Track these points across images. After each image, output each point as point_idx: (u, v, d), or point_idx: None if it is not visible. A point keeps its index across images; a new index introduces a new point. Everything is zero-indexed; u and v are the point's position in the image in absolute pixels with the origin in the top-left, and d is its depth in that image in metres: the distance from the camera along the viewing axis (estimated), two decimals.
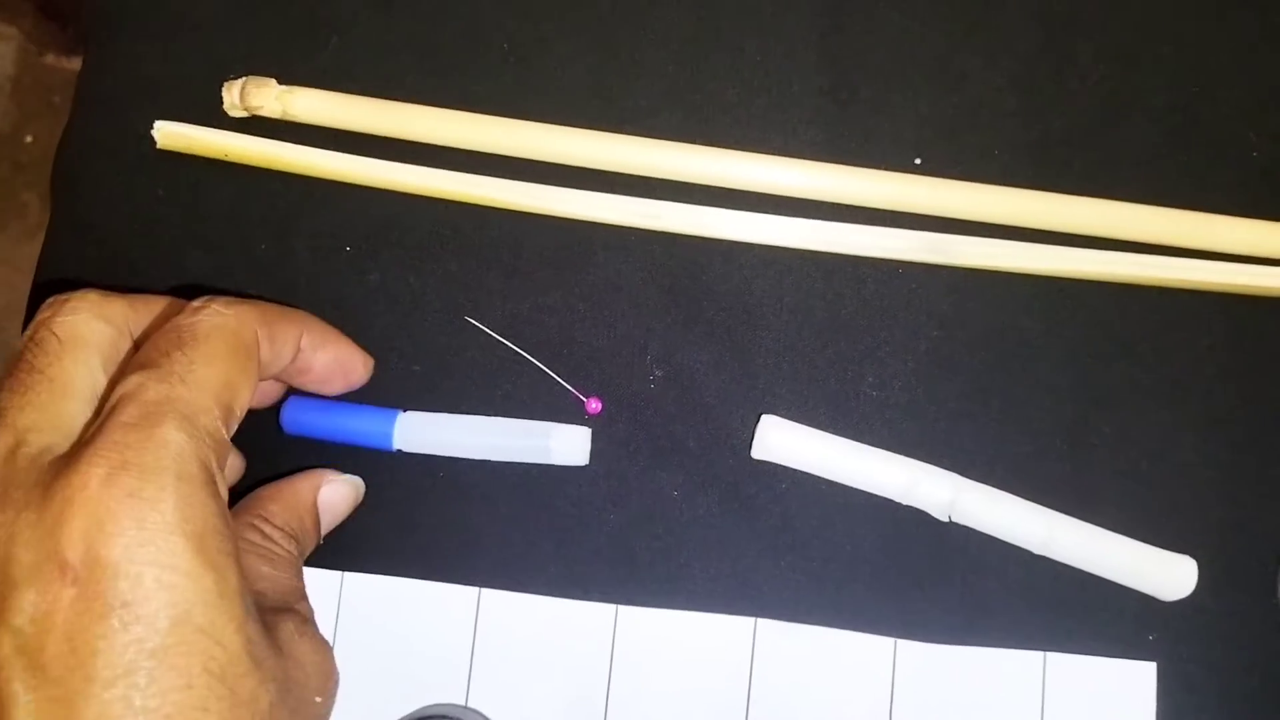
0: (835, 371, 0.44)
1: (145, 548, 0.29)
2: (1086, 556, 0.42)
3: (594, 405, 0.44)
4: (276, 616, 0.34)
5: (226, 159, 0.45)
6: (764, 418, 0.43)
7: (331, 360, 0.40)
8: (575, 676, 0.42)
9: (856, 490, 0.43)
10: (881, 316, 0.45)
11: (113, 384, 0.32)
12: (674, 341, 0.44)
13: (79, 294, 0.34)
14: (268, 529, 0.37)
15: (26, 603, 0.28)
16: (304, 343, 0.38)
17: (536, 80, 0.46)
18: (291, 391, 0.43)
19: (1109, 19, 0.46)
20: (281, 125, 0.45)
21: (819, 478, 0.43)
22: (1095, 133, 0.46)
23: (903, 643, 0.42)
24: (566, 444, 0.43)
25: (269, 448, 0.43)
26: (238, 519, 0.37)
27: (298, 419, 0.43)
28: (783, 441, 0.43)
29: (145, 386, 0.31)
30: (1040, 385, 0.44)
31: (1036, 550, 0.42)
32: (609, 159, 0.45)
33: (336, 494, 0.41)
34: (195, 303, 0.34)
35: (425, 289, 0.45)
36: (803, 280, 0.45)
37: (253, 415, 0.41)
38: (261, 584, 0.35)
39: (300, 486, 0.40)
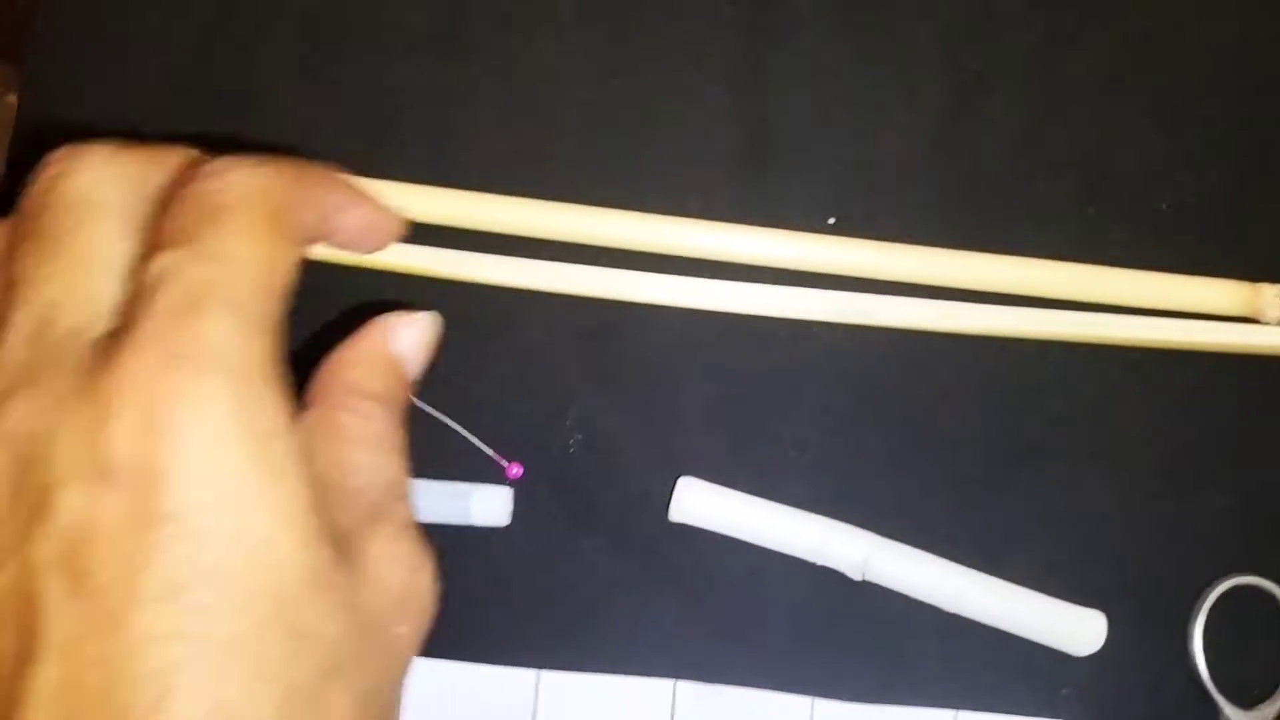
0: (754, 432, 0.45)
1: (200, 453, 0.25)
2: (998, 613, 0.43)
3: (515, 470, 0.44)
4: (367, 526, 0.30)
5: None
6: (681, 480, 0.44)
7: (364, 219, 0.35)
8: None
9: (774, 551, 0.44)
10: (798, 376, 0.45)
11: (142, 258, 0.28)
12: (594, 405, 0.45)
13: (91, 148, 0.29)
14: (362, 405, 0.32)
15: (68, 505, 0.25)
16: (330, 203, 0.33)
17: (453, 147, 0.47)
18: None
19: (1018, 76, 0.47)
20: None
21: (737, 539, 0.44)
22: (1006, 189, 0.46)
23: (820, 701, 0.43)
24: (487, 505, 0.43)
25: None
26: (320, 403, 0.32)
27: None
28: (700, 503, 0.44)
29: (183, 268, 0.27)
30: (954, 441, 0.45)
31: (948, 608, 0.43)
32: (527, 225, 0.45)
33: (416, 335, 0.35)
34: (212, 164, 0.29)
35: None
36: (721, 342, 0.45)
37: None
38: (359, 478, 0.30)
39: (373, 340, 0.34)
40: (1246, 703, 0.43)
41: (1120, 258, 0.45)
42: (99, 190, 0.29)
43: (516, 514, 0.44)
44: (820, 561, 0.43)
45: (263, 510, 0.26)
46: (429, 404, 0.44)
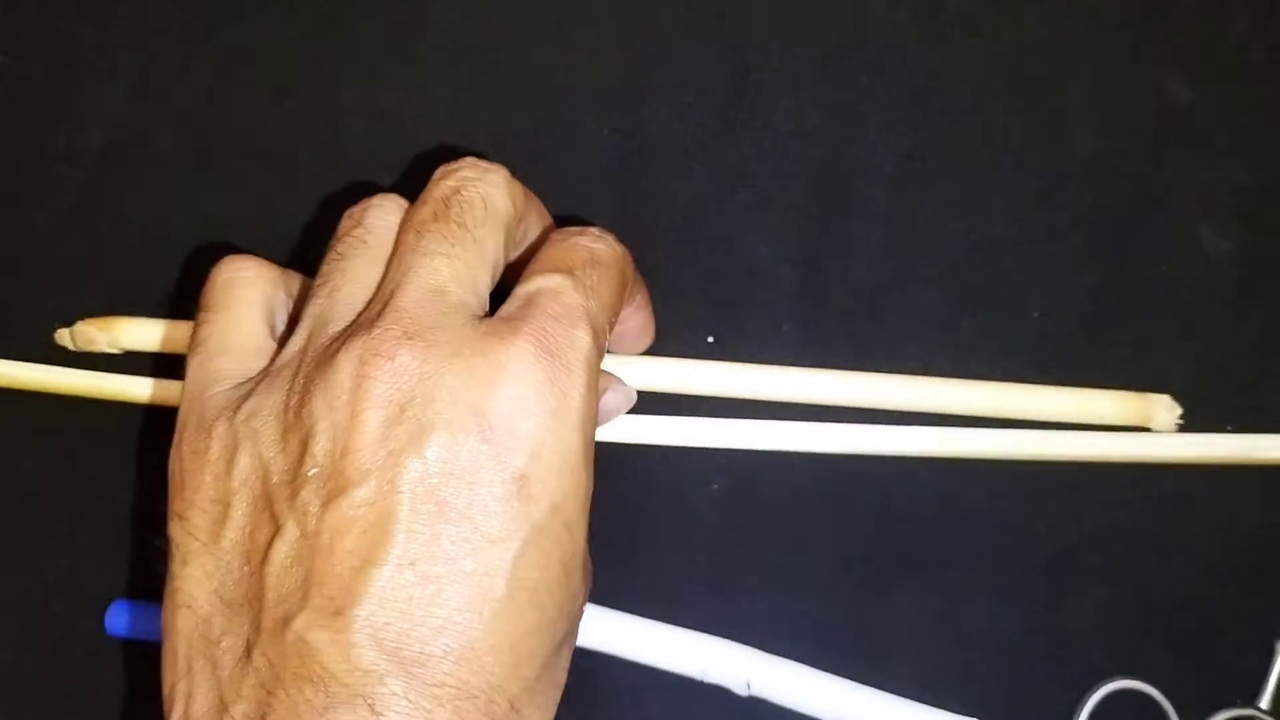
0: (637, 551, 0.46)
1: (553, 433, 0.31)
2: None
3: None
4: None
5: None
6: None
7: (644, 320, 0.43)
8: None
9: (660, 669, 0.45)
10: (678, 499, 0.46)
11: (531, 273, 0.35)
12: None
13: (494, 166, 0.37)
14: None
15: (441, 442, 0.30)
16: (639, 299, 0.41)
17: None
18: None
19: (883, 189, 0.48)
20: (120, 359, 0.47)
21: (622, 659, 0.45)
22: (878, 304, 0.47)
23: None
24: None
25: (88, 651, 0.45)
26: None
27: (118, 622, 0.45)
28: (585, 626, 0.45)
29: (566, 290, 0.33)
30: (831, 557, 0.46)
31: None
32: None
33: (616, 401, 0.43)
34: (595, 230, 0.37)
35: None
36: (608, 467, 0.46)
37: (74, 619, 0.44)
38: None
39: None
40: None
41: (996, 369, 0.46)
42: (500, 203, 0.36)
43: None
44: (706, 679, 0.45)
45: (578, 493, 0.33)
46: None
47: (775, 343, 0.47)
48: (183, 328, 0.46)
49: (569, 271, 0.34)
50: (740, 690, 0.44)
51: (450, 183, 0.35)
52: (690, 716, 0.45)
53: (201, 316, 0.37)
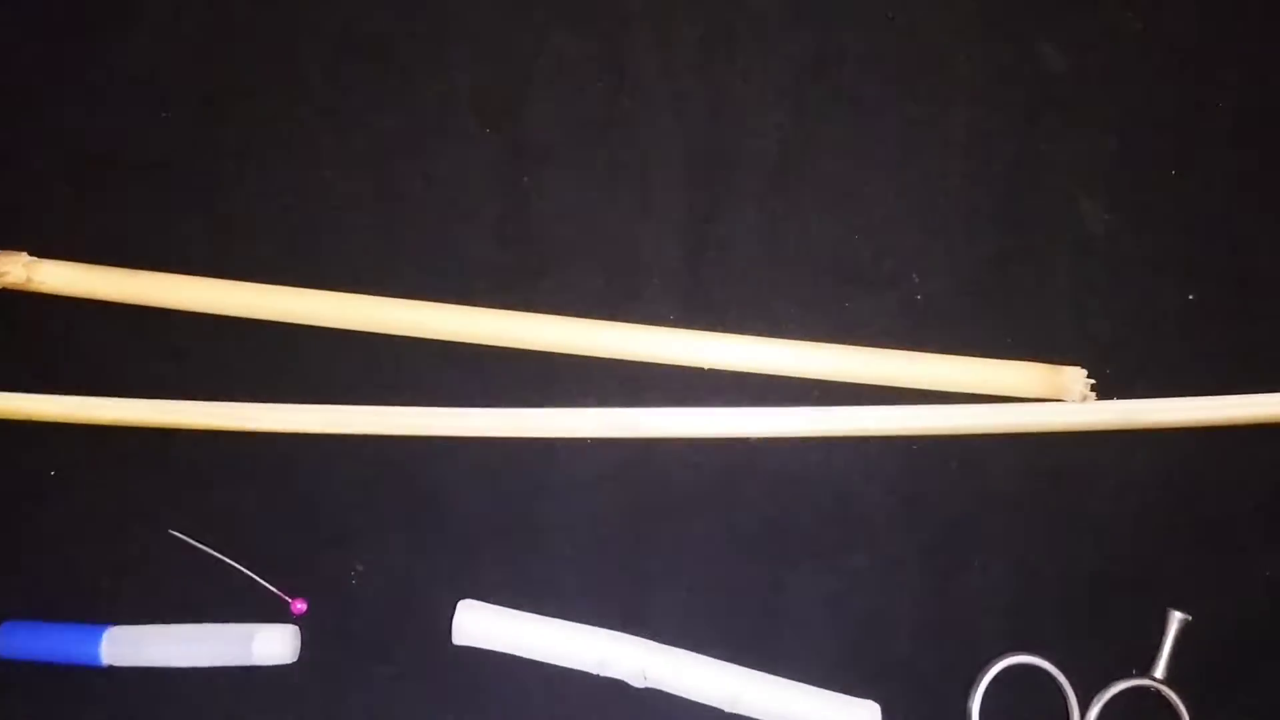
0: (536, 548, 0.46)
1: None
2: (775, 710, 0.44)
3: (299, 606, 0.45)
4: None
5: None
6: (461, 603, 0.45)
7: None
8: None
9: (558, 666, 0.45)
10: (574, 493, 0.46)
11: None
12: (373, 537, 0.46)
13: None
14: None
15: None
16: None
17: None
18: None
19: (762, 175, 0.48)
20: (30, 301, 0.47)
21: (522, 657, 0.45)
22: (762, 287, 0.47)
23: None
24: (270, 644, 0.44)
25: None
26: None
27: (10, 643, 0.44)
28: (480, 625, 0.45)
29: None
30: (721, 544, 0.46)
31: (728, 709, 0.44)
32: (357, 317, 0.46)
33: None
34: None
35: (128, 507, 0.46)
36: (495, 464, 0.46)
37: None
38: None
39: None
40: None
41: (882, 346, 0.46)
42: None
43: (305, 648, 0.45)
44: (603, 673, 0.44)
45: None
46: (210, 546, 0.45)
47: (662, 321, 0.47)
48: (97, 271, 0.46)
49: None
50: (637, 682, 0.44)
51: None
52: (586, 713, 0.44)
53: None
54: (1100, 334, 0.46)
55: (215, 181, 0.48)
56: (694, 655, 0.44)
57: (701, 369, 0.46)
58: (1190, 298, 0.46)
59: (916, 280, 0.47)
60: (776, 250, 0.47)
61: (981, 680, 0.44)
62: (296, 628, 0.45)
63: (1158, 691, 0.44)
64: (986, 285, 0.47)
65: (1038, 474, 0.46)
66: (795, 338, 0.46)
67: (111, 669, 0.44)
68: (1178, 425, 0.45)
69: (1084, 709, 0.44)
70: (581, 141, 0.47)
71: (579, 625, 0.45)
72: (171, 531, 0.46)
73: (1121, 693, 0.44)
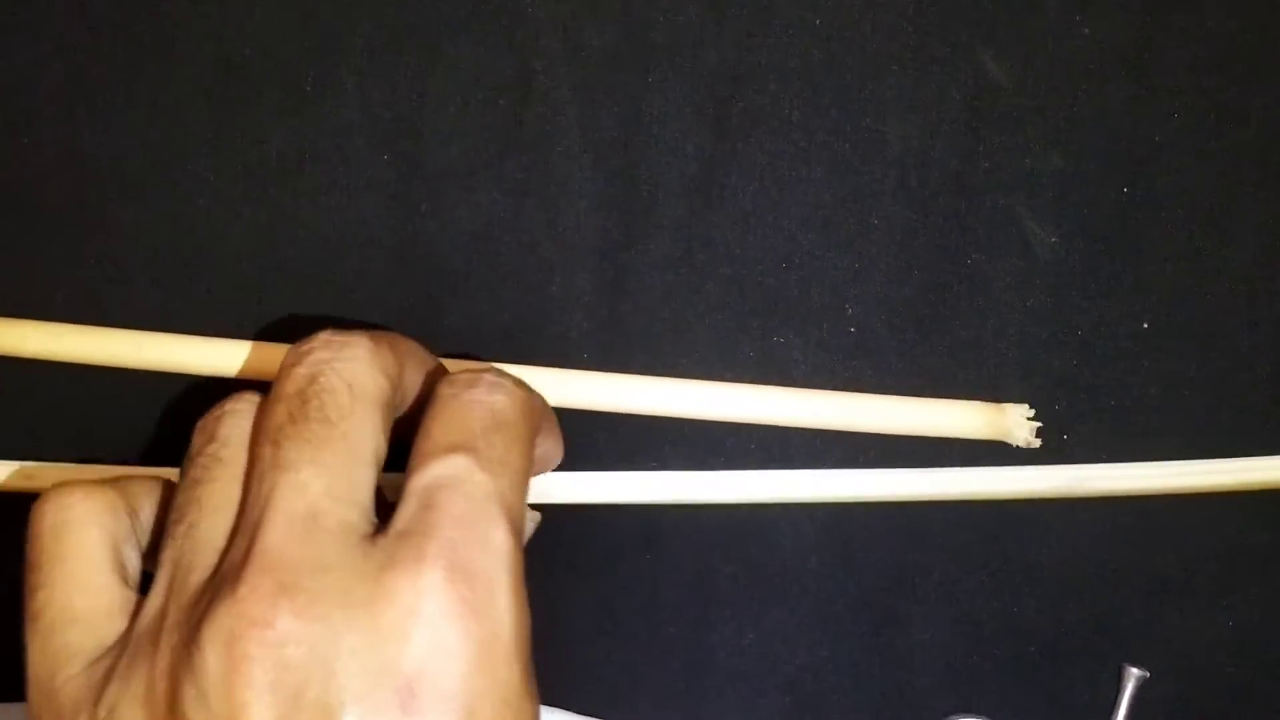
0: None
1: (486, 676, 0.26)
2: None
3: None
4: None
5: None
6: None
7: (552, 447, 0.36)
8: None
9: None
10: None
11: (422, 458, 0.28)
12: None
13: (352, 337, 0.30)
14: None
15: None
16: (552, 437, 0.35)
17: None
18: None
19: (681, 198, 0.44)
20: None
21: None
22: (681, 324, 0.44)
23: None
24: None
25: None
26: None
27: None
28: None
29: (471, 477, 0.28)
30: (642, 604, 0.42)
31: None
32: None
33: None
34: (489, 376, 0.31)
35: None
36: None
37: None
38: None
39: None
40: None
41: (813, 386, 0.43)
42: (371, 382, 0.29)
43: None
44: None
45: None
46: None
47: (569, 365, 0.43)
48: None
49: (470, 448, 0.28)
50: None
51: (303, 370, 0.29)
52: None
53: (33, 579, 0.29)
54: (1049, 365, 0.43)
55: (82, 213, 0.44)
56: None
57: (618, 414, 0.42)
58: (1145, 325, 0.43)
59: (849, 311, 0.43)
60: (697, 280, 0.44)
61: None
62: None
63: None
64: (925, 315, 0.43)
65: (981, 523, 0.42)
66: (719, 377, 0.43)
67: None
68: (1133, 493, 0.41)
69: None
70: (483, 163, 0.43)
71: None
72: None
73: None
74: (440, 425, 0.29)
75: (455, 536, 0.27)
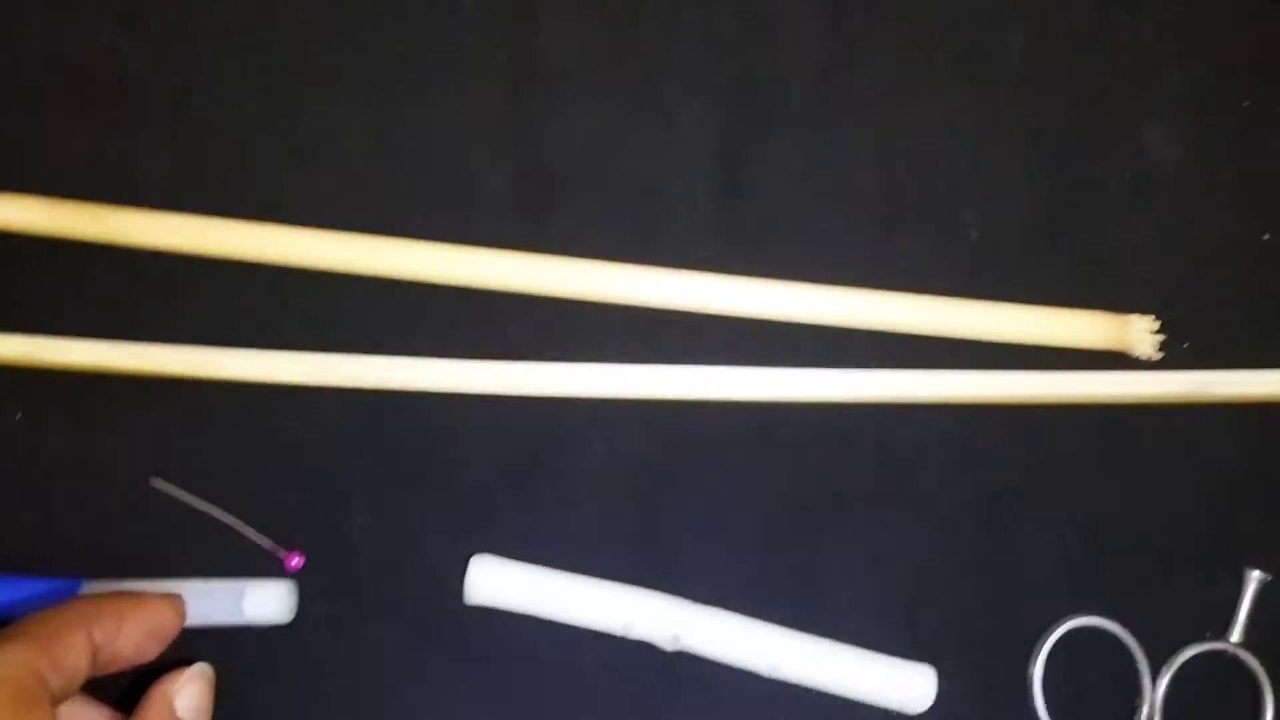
0: (552, 503, 0.42)
1: None
2: (820, 675, 0.40)
3: (294, 561, 0.41)
4: None
5: None
6: (474, 559, 0.41)
7: (140, 633, 0.36)
8: None
9: (580, 627, 0.41)
10: (594, 445, 0.42)
11: None
12: (379, 488, 0.42)
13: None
14: None
15: None
16: (98, 637, 0.34)
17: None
18: None
19: (800, 101, 0.44)
20: None
21: (539, 617, 0.41)
22: (800, 226, 0.44)
23: None
24: (262, 601, 0.40)
25: None
26: None
27: None
28: (496, 582, 0.41)
29: None
30: (764, 498, 0.42)
31: (767, 674, 0.40)
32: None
33: (196, 693, 0.36)
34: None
35: (108, 453, 0.42)
36: (508, 418, 0.42)
37: None
38: None
39: (153, 706, 0.35)
40: None
41: (934, 289, 0.43)
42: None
43: (303, 608, 0.41)
44: (630, 634, 0.40)
45: None
46: (206, 500, 0.41)
47: (690, 258, 0.43)
48: (61, 207, 0.42)
49: None
50: (667, 645, 0.40)
51: None
52: (609, 679, 0.41)
53: None
54: (1169, 276, 0.43)
55: (187, 107, 0.44)
56: (732, 615, 0.41)
57: (733, 318, 0.42)
58: (1265, 237, 0.43)
59: (970, 218, 0.43)
60: (816, 184, 0.44)
61: (1044, 644, 0.40)
62: (293, 583, 0.41)
63: (1234, 656, 0.40)
64: (1045, 224, 0.44)
65: (1105, 428, 0.42)
66: (836, 281, 0.43)
67: None
68: (1256, 399, 0.41)
69: (1155, 675, 0.40)
70: (601, 62, 0.44)
71: (604, 582, 0.41)
72: (153, 481, 0.42)
73: (1195, 657, 0.40)
74: None
75: None
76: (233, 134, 0.44)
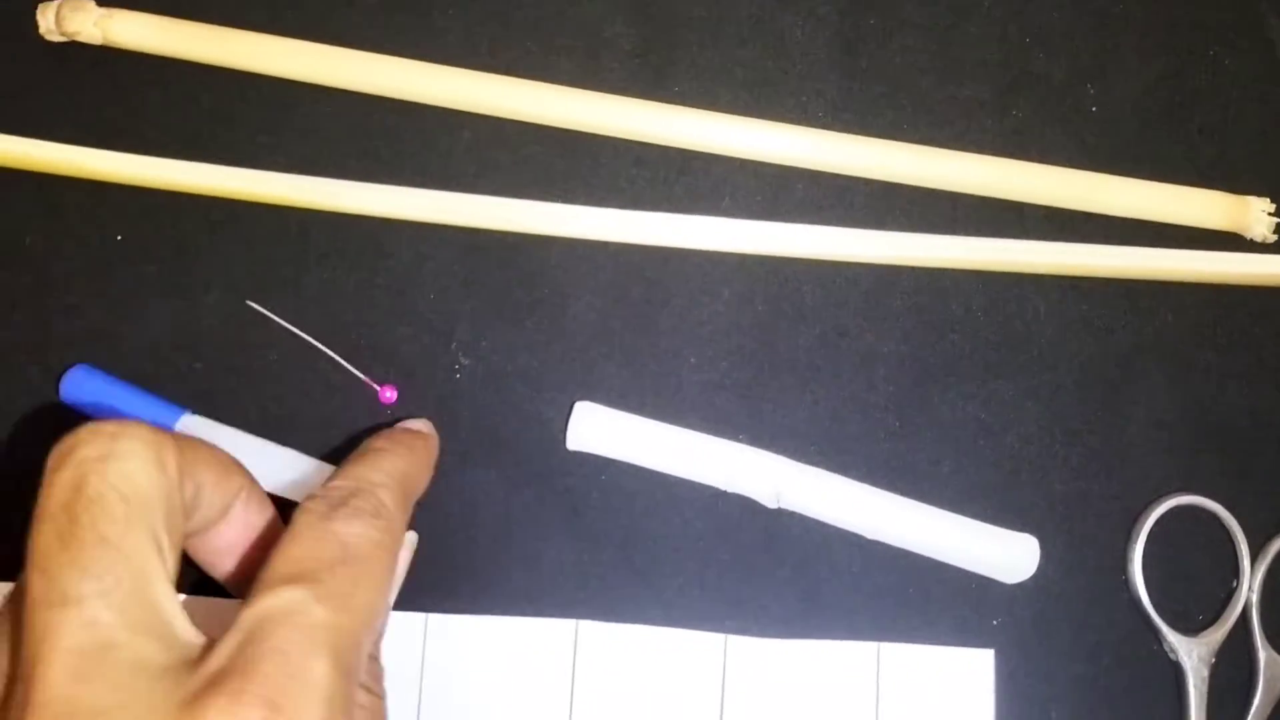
0: (656, 354, 0.41)
1: None
2: (922, 540, 0.40)
3: (388, 394, 0.40)
4: None
5: None
6: (578, 405, 0.40)
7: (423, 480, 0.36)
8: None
9: (680, 479, 0.40)
10: (702, 299, 0.42)
11: (259, 586, 0.26)
12: (481, 329, 0.41)
13: (126, 430, 0.26)
14: (371, 681, 0.32)
15: None
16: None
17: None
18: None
19: None
20: (104, 55, 0.42)
21: (640, 467, 0.40)
22: (923, 89, 0.43)
23: (734, 639, 0.40)
24: None
25: (44, 416, 0.40)
26: None
27: (78, 389, 0.40)
28: (599, 430, 0.40)
29: (307, 610, 0.25)
30: (869, 362, 0.41)
31: (869, 536, 0.40)
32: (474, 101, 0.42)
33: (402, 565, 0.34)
34: (357, 500, 0.29)
35: (206, 278, 0.41)
36: (616, 260, 0.42)
37: (31, 384, 0.40)
38: None
39: None
40: (1190, 629, 0.40)
41: (1049, 161, 0.42)
42: (146, 484, 0.25)
43: None
44: (731, 489, 0.40)
45: None
46: (301, 330, 0.40)
47: (809, 124, 0.43)
48: (181, 27, 0.41)
49: (312, 579, 0.26)
50: (769, 502, 0.40)
51: (67, 475, 0.25)
52: (709, 532, 0.40)
53: (56, 556, 0.25)
54: None
55: None
56: (835, 477, 0.40)
57: (848, 177, 0.42)
58: None
59: (1091, 92, 0.43)
60: (939, 50, 0.43)
61: (1145, 520, 0.40)
62: None
63: None
64: (1165, 103, 0.43)
65: (1216, 308, 0.42)
66: (957, 147, 0.42)
67: None
68: None
69: (1254, 558, 0.40)
70: None
71: (709, 437, 0.40)
72: (249, 303, 0.41)
73: None
74: (286, 553, 0.27)
75: (270, 672, 0.24)
76: None
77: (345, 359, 0.40)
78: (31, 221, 0.42)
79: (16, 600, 0.25)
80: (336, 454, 0.40)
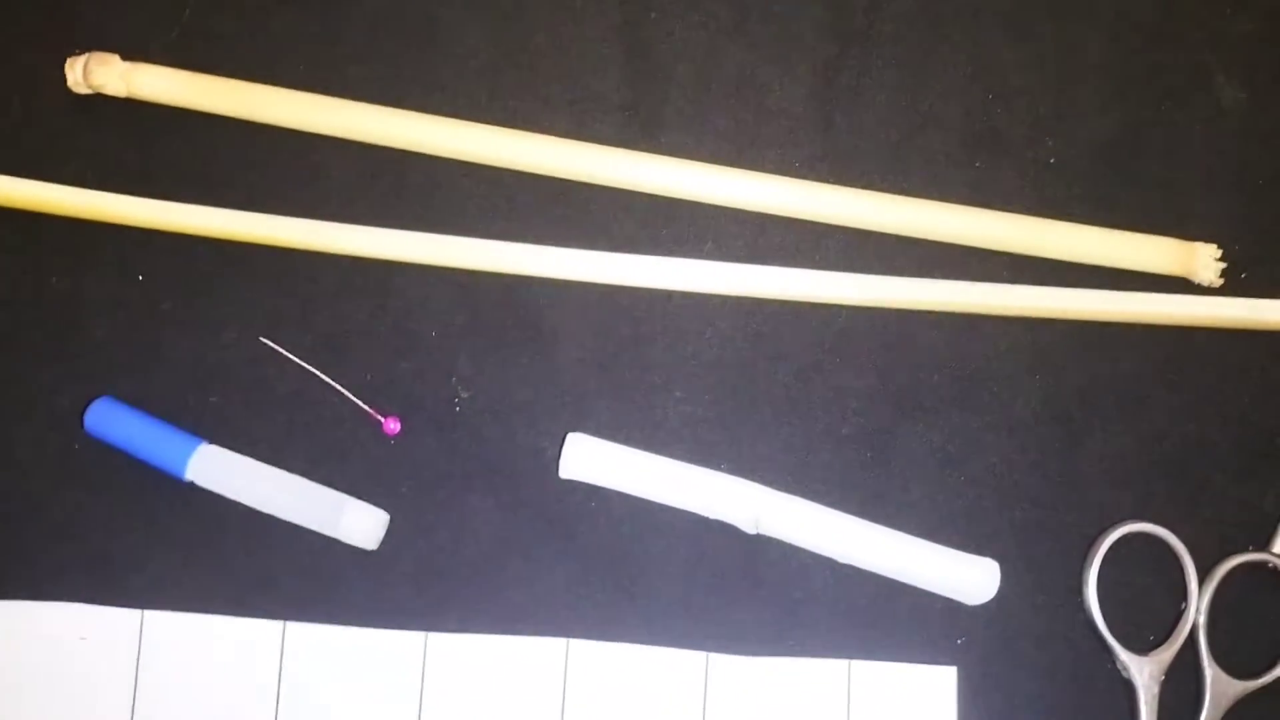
0: (643, 389, 0.44)
1: None
2: (891, 563, 0.42)
3: (392, 425, 0.43)
4: None
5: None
6: (570, 436, 0.43)
7: None
8: (384, 707, 0.42)
9: (666, 506, 0.43)
10: (687, 337, 0.45)
11: None
12: (479, 365, 0.44)
13: None
14: None
15: None
16: None
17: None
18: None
19: (897, 28, 0.47)
20: (128, 106, 0.45)
21: (628, 495, 0.43)
22: (891, 142, 0.46)
23: (715, 656, 0.42)
24: (359, 522, 0.42)
25: (68, 445, 0.43)
26: None
27: (101, 421, 0.42)
28: (589, 459, 0.43)
29: None
30: (842, 397, 0.44)
31: (842, 559, 0.43)
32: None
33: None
34: None
35: (222, 316, 0.44)
36: (606, 301, 0.45)
37: (57, 415, 0.42)
38: None
39: None
40: (1142, 649, 0.43)
41: (1010, 209, 0.45)
42: None
43: (402, 475, 0.43)
44: (713, 516, 0.43)
45: None
46: (311, 365, 0.43)
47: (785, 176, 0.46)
48: (200, 81, 0.44)
49: None
50: (748, 528, 0.43)
51: None
52: (691, 556, 0.43)
53: None
54: (1230, 209, 0.46)
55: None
56: (810, 504, 0.43)
57: (819, 224, 0.45)
58: None
59: (1049, 144, 0.46)
60: (908, 106, 0.46)
61: (1100, 546, 0.43)
62: (387, 516, 0.43)
63: (1275, 566, 0.43)
64: (1118, 156, 0.46)
65: (1165, 348, 0.45)
66: (923, 196, 0.45)
67: (192, 485, 0.42)
68: None
69: (1201, 580, 0.43)
70: None
71: (692, 466, 0.43)
72: (262, 339, 0.44)
73: (1239, 566, 0.43)
74: None
75: None
76: (366, 21, 0.46)
77: (352, 392, 0.43)
78: (58, 262, 0.44)
79: None
80: (343, 482, 0.42)
